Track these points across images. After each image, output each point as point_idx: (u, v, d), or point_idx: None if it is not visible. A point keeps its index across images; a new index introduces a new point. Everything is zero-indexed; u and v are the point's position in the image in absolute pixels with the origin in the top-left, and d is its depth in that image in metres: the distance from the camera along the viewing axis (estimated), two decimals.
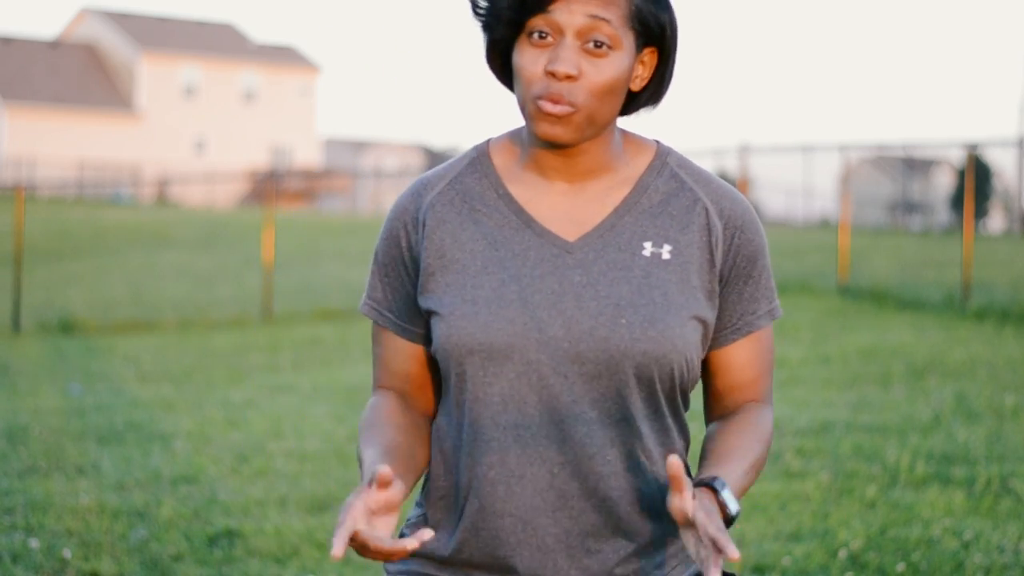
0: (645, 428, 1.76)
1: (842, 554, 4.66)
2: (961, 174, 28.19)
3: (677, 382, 1.76)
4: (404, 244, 1.82)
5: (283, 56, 60.60)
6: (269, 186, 22.11)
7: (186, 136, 57.09)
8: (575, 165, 1.78)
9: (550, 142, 1.73)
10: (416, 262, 1.81)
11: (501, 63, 1.80)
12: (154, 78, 56.52)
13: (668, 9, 1.75)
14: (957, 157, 26.06)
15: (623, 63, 1.72)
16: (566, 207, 1.78)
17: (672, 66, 1.80)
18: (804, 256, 19.20)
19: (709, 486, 1.64)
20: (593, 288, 1.73)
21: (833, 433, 6.87)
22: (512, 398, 1.73)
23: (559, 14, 1.68)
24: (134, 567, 4.66)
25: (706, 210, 1.79)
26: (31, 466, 6.32)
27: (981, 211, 35.90)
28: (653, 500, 1.77)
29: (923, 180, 40.13)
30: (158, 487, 5.86)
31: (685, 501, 1.57)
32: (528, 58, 1.71)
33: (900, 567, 4.50)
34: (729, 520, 1.64)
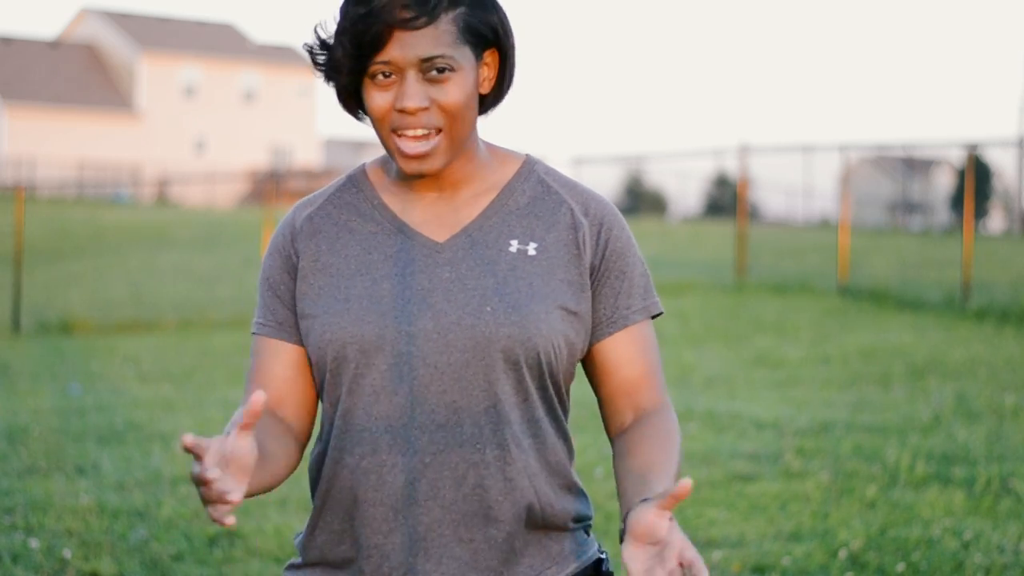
0: (515, 416, 1.80)
1: (842, 554, 4.66)
2: (961, 174, 28.19)
3: (546, 368, 1.80)
4: (287, 255, 1.89)
5: (283, 56, 60.59)
6: (269, 186, 22.13)
7: (186, 136, 57.09)
8: (443, 178, 1.86)
9: (419, 176, 1.81)
10: (296, 273, 1.88)
11: (355, 104, 1.86)
12: (154, 78, 56.51)
13: (496, 9, 1.82)
14: (957, 157, 26.07)
15: (468, 79, 1.79)
16: (436, 212, 1.86)
17: (513, 62, 1.87)
18: (804, 256, 19.21)
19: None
20: (461, 283, 1.80)
21: (833, 433, 6.87)
22: (384, 389, 1.78)
23: (394, 54, 1.75)
24: (134, 567, 4.66)
25: (571, 210, 1.87)
26: (31, 466, 6.31)
27: (981, 211, 35.97)
28: (525, 491, 1.80)
29: (923, 180, 40.17)
30: (158, 487, 5.85)
31: (663, 519, 1.57)
32: (377, 100, 1.78)
33: (900, 567, 4.50)
34: None
